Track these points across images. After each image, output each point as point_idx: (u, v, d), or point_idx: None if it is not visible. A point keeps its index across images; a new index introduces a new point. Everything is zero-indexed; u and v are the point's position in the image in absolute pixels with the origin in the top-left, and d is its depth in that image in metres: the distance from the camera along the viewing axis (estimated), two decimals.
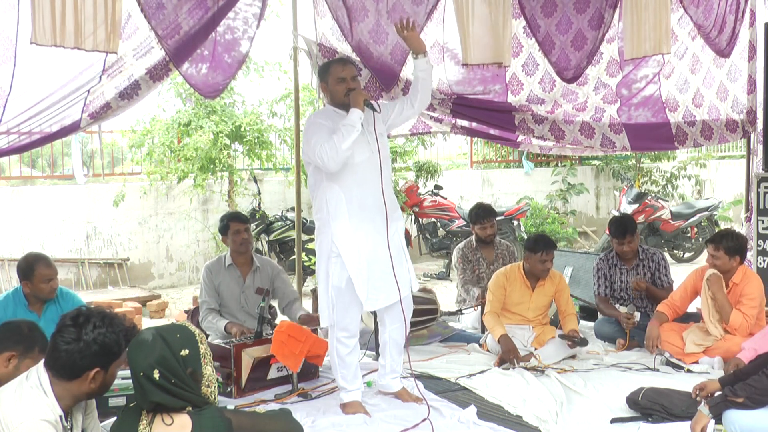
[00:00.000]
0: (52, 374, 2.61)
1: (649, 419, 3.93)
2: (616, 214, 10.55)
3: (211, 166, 8.86)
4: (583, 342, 5.16)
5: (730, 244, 4.99)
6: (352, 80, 4.20)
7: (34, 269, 4.37)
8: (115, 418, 3.17)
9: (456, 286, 6.51)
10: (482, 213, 6.38)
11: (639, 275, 5.73)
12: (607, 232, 10.49)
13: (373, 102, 4.16)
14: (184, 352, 2.76)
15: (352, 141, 3.98)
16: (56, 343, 2.61)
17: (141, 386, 2.73)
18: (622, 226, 5.71)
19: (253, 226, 8.54)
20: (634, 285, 5.63)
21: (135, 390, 2.78)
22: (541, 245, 5.29)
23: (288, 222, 8.89)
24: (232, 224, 5.13)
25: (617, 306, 5.71)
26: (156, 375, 2.69)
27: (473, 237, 6.44)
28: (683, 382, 4.38)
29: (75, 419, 2.77)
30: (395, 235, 4.23)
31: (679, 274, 5.96)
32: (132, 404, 2.86)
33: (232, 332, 4.78)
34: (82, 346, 2.58)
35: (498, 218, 9.90)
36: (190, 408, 2.76)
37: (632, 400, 4.07)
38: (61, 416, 2.59)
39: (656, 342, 5.02)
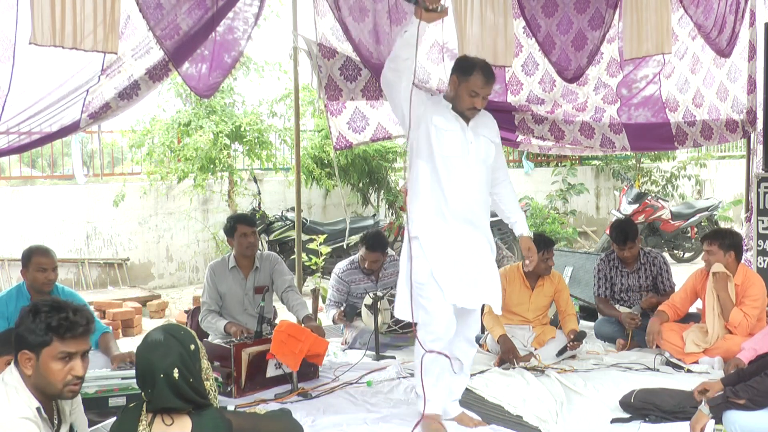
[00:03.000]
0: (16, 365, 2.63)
1: (647, 419, 3.93)
2: (617, 214, 10.57)
3: (211, 166, 8.86)
4: (581, 334, 5.17)
5: (725, 240, 5.01)
6: (482, 99, 3.90)
7: (31, 257, 4.42)
8: (115, 418, 3.17)
9: None
10: None
11: (640, 278, 5.73)
12: (607, 232, 10.56)
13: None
14: (192, 347, 2.78)
15: (399, 48, 3.63)
16: None
17: (158, 389, 2.68)
18: (623, 233, 5.66)
19: None
20: (644, 305, 5.57)
21: (149, 393, 2.71)
22: (540, 245, 5.28)
23: (288, 222, 8.89)
24: (240, 227, 5.10)
25: (617, 306, 5.72)
26: (176, 374, 2.68)
27: None
28: (683, 382, 4.38)
29: (63, 413, 2.76)
30: (479, 243, 3.96)
31: (679, 274, 5.96)
32: (132, 404, 2.86)
33: (232, 332, 4.78)
34: (13, 327, 2.60)
35: (498, 218, 9.92)
36: (191, 409, 2.76)
37: (625, 403, 4.09)
38: (38, 408, 2.57)
39: (657, 338, 5.02)
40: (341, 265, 5.92)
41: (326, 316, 5.99)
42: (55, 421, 2.70)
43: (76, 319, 2.61)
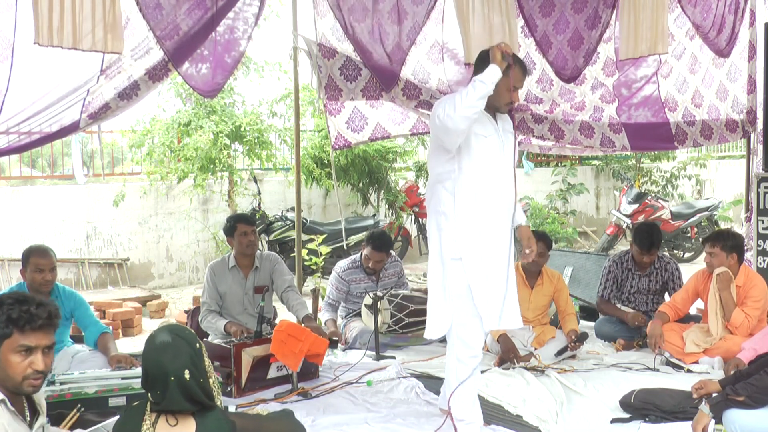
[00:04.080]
0: None
1: (647, 419, 3.94)
2: (617, 214, 10.58)
3: (211, 166, 8.86)
4: (584, 336, 5.17)
5: (727, 242, 5.01)
6: (517, 93, 3.82)
7: (29, 257, 4.42)
8: (114, 418, 3.16)
9: None
10: None
11: (650, 282, 5.71)
12: (608, 232, 10.57)
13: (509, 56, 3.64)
14: (197, 345, 2.77)
15: (478, 99, 3.51)
16: None
17: (170, 392, 2.64)
18: (649, 239, 5.55)
19: None
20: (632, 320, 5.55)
21: (158, 395, 2.66)
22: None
23: (288, 222, 8.89)
24: (240, 225, 5.11)
25: (621, 307, 5.71)
26: (187, 375, 2.65)
27: None
28: (683, 382, 4.38)
29: (39, 406, 2.76)
30: (512, 256, 3.83)
31: None
32: (136, 403, 2.83)
33: (231, 332, 4.78)
34: None
35: None
36: (196, 410, 2.73)
37: (625, 403, 4.09)
38: (3, 401, 2.58)
39: (659, 341, 5.01)
40: (342, 264, 5.91)
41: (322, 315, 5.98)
42: (27, 415, 2.69)
43: (37, 312, 2.61)
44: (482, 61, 3.80)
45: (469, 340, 3.76)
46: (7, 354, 2.59)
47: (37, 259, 4.41)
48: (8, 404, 2.59)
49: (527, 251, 3.99)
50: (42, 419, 2.77)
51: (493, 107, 3.78)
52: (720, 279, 4.97)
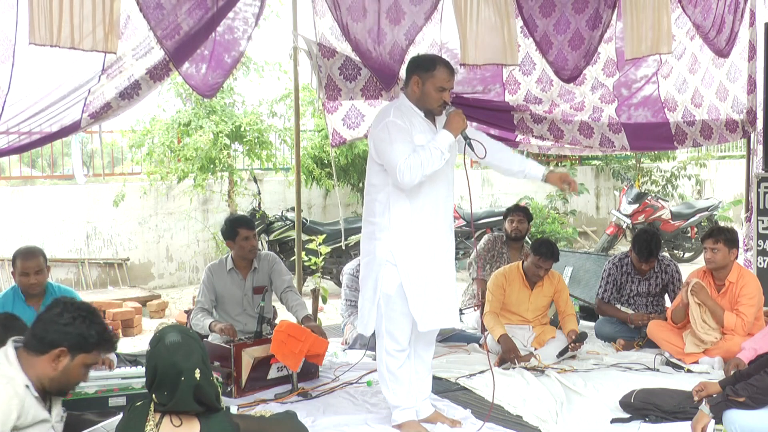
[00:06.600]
0: (23, 348, 2.71)
1: (647, 419, 3.94)
2: (617, 214, 10.57)
3: (211, 166, 8.87)
4: (583, 336, 5.17)
5: (728, 236, 4.98)
6: (449, 93, 3.86)
7: (16, 261, 4.41)
8: (114, 418, 3.15)
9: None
10: (513, 207, 6.48)
11: (650, 285, 5.70)
12: (608, 232, 10.56)
13: (470, 136, 3.82)
14: (203, 345, 2.77)
15: (439, 168, 3.71)
16: (40, 316, 2.75)
17: (180, 392, 2.62)
18: (647, 249, 5.52)
19: None
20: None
21: (165, 396, 2.64)
22: (541, 250, 5.24)
23: (288, 222, 8.88)
24: (242, 230, 5.05)
25: (620, 308, 5.70)
26: (197, 375, 2.64)
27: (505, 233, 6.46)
28: (683, 382, 4.39)
29: (54, 405, 2.82)
30: (450, 256, 3.97)
31: None
32: (139, 403, 2.81)
33: (217, 329, 4.71)
34: (58, 318, 2.69)
35: (498, 218, 9.93)
36: (202, 411, 2.72)
37: (625, 403, 4.09)
38: (28, 385, 2.65)
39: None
40: (351, 264, 5.91)
41: (340, 316, 5.92)
42: (38, 397, 2.76)
43: (114, 339, 2.82)
44: (419, 63, 3.88)
45: (397, 336, 3.85)
46: (79, 364, 2.73)
47: (22, 262, 4.37)
48: (32, 389, 2.67)
49: (565, 186, 4.06)
50: (58, 408, 2.85)
51: (428, 111, 3.87)
52: (696, 291, 4.92)
